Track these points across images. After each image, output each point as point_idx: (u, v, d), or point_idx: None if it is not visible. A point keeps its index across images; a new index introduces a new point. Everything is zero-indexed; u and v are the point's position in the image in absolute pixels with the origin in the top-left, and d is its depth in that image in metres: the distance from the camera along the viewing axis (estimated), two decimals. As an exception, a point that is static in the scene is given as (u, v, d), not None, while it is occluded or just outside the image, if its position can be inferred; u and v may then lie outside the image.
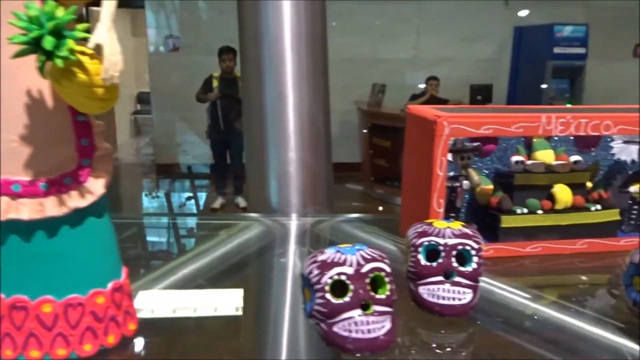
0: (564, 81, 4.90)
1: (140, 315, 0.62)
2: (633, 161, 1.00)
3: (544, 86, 4.82)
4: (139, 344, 0.58)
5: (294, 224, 1.10)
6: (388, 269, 0.58)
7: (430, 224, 0.70)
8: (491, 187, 0.94)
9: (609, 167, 1.02)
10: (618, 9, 4.87)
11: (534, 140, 0.97)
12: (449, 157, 0.93)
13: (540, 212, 0.91)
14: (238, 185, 4.23)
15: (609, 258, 0.89)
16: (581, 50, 4.83)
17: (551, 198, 0.92)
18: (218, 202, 4.30)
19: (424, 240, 0.68)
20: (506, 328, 0.71)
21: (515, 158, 0.93)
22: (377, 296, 0.57)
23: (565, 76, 4.87)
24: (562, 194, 0.91)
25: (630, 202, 0.97)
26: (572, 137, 1.00)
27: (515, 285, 0.80)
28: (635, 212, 0.97)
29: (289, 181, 1.15)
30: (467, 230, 0.69)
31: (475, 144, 0.93)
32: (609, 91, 4.89)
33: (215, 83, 3.97)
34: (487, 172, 0.98)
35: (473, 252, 0.67)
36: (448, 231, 0.68)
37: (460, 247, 0.67)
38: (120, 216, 0.99)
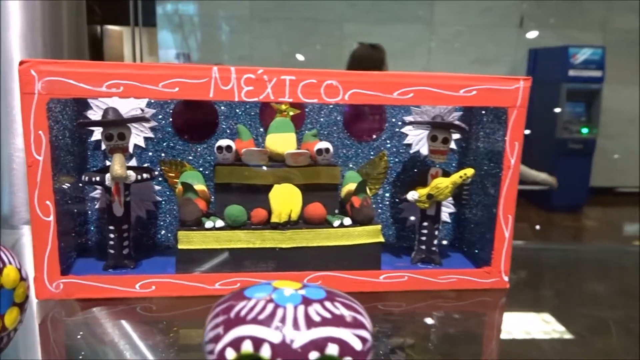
0: (579, 105, 4.57)
1: None
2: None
3: (558, 110, 4.48)
4: None
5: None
6: (356, 346, 0.27)
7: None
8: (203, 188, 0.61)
9: (403, 165, 0.68)
10: (635, 33, 4.48)
11: (276, 118, 0.64)
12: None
13: (245, 226, 0.57)
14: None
15: (368, 303, 0.53)
16: (597, 74, 4.50)
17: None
18: None
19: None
20: None
21: (220, 143, 0.60)
22: None
23: (581, 100, 4.56)
24: (280, 199, 0.57)
25: (419, 215, 0.62)
26: (339, 118, 0.66)
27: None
28: (425, 231, 0.61)
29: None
30: None
31: (142, 112, 0.60)
32: (628, 115, 4.44)
33: None
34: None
35: None
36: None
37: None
38: None
